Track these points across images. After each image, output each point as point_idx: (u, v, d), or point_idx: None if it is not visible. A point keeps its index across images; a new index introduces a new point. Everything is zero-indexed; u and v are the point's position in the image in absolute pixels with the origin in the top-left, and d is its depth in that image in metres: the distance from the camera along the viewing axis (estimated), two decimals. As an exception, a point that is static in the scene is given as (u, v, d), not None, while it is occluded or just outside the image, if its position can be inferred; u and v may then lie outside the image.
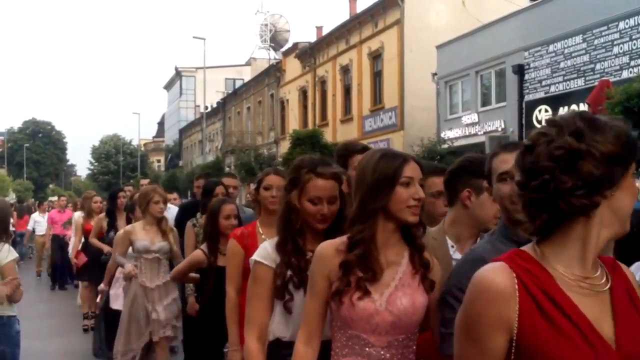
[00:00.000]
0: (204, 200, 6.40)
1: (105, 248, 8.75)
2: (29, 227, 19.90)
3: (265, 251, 3.08)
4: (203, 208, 6.25)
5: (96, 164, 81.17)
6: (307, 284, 2.82)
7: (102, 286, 7.90)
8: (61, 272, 16.25)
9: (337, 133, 31.01)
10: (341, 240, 2.63)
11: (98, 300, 8.79)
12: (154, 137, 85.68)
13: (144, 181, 11.47)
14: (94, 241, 9.41)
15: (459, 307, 1.74)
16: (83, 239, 10.79)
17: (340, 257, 2.58)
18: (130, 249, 6.81)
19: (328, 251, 2.62)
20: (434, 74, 24.20)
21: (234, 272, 4.19)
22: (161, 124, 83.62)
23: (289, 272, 3.00)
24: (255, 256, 3.08)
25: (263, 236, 4.08)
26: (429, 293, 2.59)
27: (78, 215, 11.69)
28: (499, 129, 20.56)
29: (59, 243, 16.04)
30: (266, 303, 3.06)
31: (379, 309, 2.50)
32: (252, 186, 4.55)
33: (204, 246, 5.39)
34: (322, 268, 2.61)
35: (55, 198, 26.31)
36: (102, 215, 9.52)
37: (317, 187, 3.02)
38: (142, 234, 6.61)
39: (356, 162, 4.02)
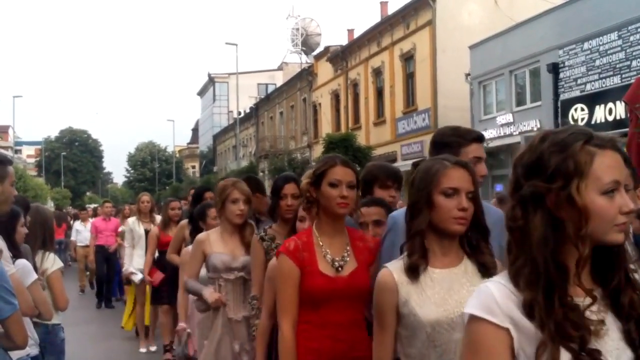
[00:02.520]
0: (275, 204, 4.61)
1: None
2: (73, 237, 18.05)
3: (492, 300, 1.66)
4: (271, 213, 4.72)
5: (132, 171, 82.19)
6: None
7: (182, 325, 5.55)
8: (107, 288, 14.84)
9: (370, 136, 30.98)
10: None
11: (175, 344, 6.41)
12: (188, 144, 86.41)
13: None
14: (173, 258, 7.45)
15: None
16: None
17: None
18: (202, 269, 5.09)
19: None
20: (467, 74, 24.05)
21: (289, 300, 3.26)
22: (195, 130, 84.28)
23: (552, 343, 1.62)
24: (474, 309, 1.67)
25: (323, 248, 3.29)
26: None
27: (133, 221, 10.22)
28: (535, 129, 20.34)
29: (104, 255, 14.60)
30: None
31: None
32: (304, 179, 3.52)
33: None
34: None
35: (92, 205, 26.00)
36: (184, 222, 7.29)
37: (610, 165, 1.69)
38: (219, 245, 4.88)
39: (471, 153, 3.23)
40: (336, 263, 3.27)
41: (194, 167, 78.93)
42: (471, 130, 3.55)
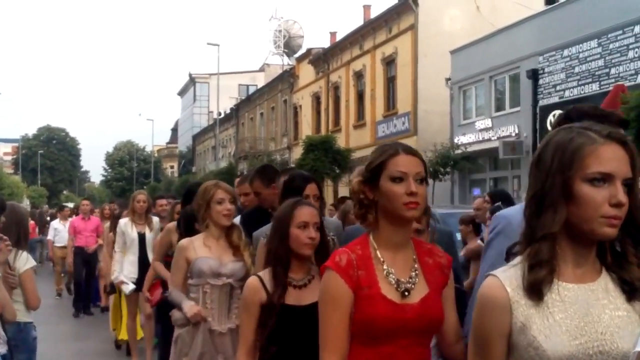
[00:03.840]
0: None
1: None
2: (50, 237, 16.48)
3: None
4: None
5: (110, 170, 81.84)
6: None
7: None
8: (87, 293, 13.64)
9: (350, 138, 31.00)
10: None
11: None
12: (167, 143, 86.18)
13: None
14: (158, 267, 6.46)
15: None
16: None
17: None
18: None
19: None
20: (448, 79, 24.15)
21: (338, 331, 2.44)
22: (175, 130, 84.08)
23: None
24: None
25: (385, 265, 2.47)
26: None
27: (125, 223, 8.74)
28: (513, 134, 20.47)
29: (83, 257, 13.43)
30: None
31: None
32: (354, 177, 2.69)
33: (264, 273, 3.32)
34: None
35: (71, 204, 25.51)
36: (172, 225, 6.32)
37: None
38: (204, 250, 4.49)
39: None
40: (402, 285, 2.46)
41: (172, 167, 78.64)
42: (613, 112, 2.70)
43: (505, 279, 1.81)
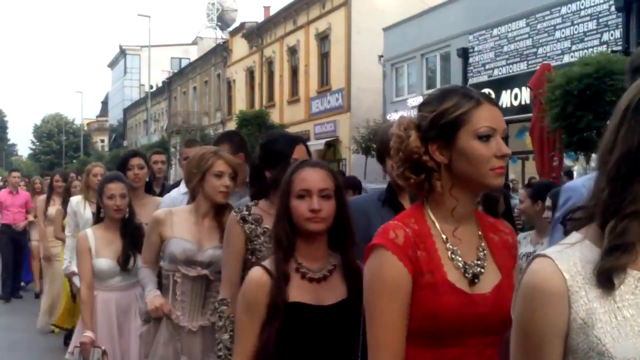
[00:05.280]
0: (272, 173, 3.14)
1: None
2: None
3: None
4: (261, 188, 3.24)
5: (38, 143, 79.81)
6: None
7: (88, 335, 4.28)
8: (15, 275, 12.32)
9: (284, 114, 30.98)
10: None
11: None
12: (97, 117, 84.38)
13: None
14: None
15: None
16: None
17: None
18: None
19: None
20: (381, 56, 24.34)
21: (394, 329, 1.85)
22: (105, 103, 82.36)
23: None
24: None
25: (449, 244, 1.91)
26: None
27: (77, 202, 6.95)
28: (444, 112, 20.78)
29: (10, 235, 12.03)
30: None
31: None
32: (399, 131, 1.98)
33: (270, 263, 2.48)
34: None
35: None
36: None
37: None
38: (183, 228, 3.68)
39: None
40: (470, 270, 1.91)
41: (103, 140, 77.17)
42: None
43: (562, 261, 1.36)
